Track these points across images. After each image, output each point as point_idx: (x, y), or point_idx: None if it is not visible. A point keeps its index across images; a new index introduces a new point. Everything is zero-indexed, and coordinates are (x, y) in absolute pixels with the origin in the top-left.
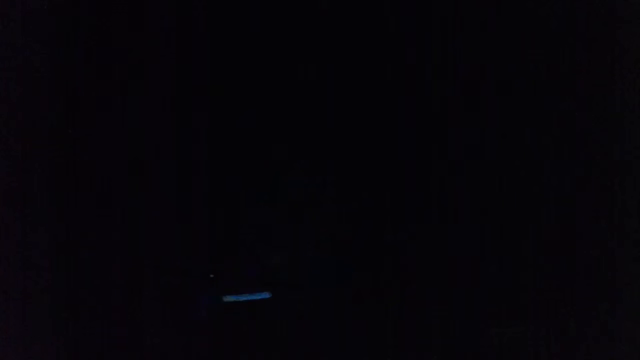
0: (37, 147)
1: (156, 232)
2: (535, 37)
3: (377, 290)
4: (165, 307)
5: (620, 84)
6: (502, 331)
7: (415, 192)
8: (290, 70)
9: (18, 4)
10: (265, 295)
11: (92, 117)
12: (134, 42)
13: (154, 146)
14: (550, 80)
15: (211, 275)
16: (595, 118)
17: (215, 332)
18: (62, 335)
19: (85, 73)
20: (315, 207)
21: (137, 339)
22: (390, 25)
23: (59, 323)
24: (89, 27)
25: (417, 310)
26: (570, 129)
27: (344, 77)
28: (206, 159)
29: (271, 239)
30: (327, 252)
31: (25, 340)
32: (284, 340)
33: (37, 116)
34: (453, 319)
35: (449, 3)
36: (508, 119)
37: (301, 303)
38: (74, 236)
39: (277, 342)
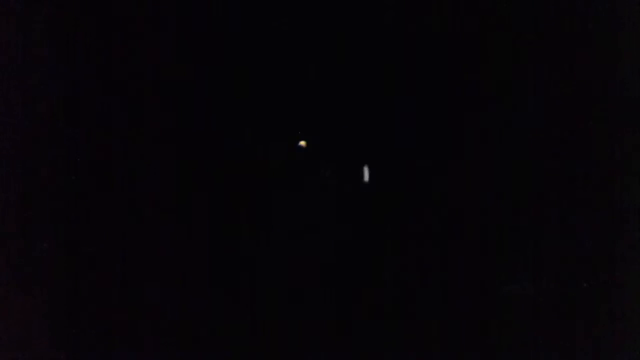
0: (37, 147)
1: (156, 231)
2: (535, 37)
3: (382, 248)
4: (165, 307)
5: (621, 84)
6: (513, 289)
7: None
8: (291, 71)
9: (18, 4)
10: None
11: (91, 117)
12: (133, 41)
13: (154, 145)
14: (550, 80)
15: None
16: (595, 118)
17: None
18: (62, 335)
19: (85, 73)
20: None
21: (137, 339)
22: (390, 24)
23: (58, 323)
24: (89, 27)
25: (426, 266)
26: (570, 127)
27: (344, 77)
28: (207, 161)
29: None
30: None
31: (25, 340)
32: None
33: (37, 116)
34: (464, 276)
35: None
36: (508, 118)
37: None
38: (73, 236)
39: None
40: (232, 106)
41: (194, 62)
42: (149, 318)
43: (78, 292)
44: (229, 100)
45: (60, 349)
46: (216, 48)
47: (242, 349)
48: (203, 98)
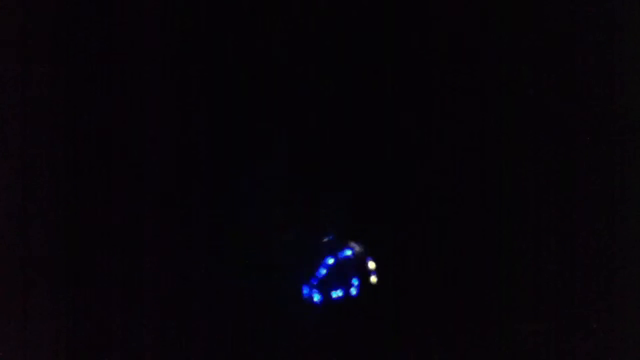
0: (37, 147)
1: (156, 231)
2: (535, 37)
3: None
4: (164, 307)
5: (620, 85)
6: (526, 327)
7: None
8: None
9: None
10: None
11: (92, 116)
12: (133, 41)
13: (154, 146)
14: (551, 80)
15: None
16: (595, 118)
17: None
18: (62, 335)
19: (85, 73)
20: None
21: (137, 339)
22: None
23: (59, 323)
24: (89, 27)
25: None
26: (570, 127)
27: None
28: (207, 159)
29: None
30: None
31: (25, 341)
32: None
33: (37, 115)
34: (482, 315)
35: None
36: (508, 118)
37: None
38: (74, 235)
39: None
40: None
41: None
42: (149, 318)
43: (78, 292)
44: None
45: (60, 348)
46: None
47: None
48: None
